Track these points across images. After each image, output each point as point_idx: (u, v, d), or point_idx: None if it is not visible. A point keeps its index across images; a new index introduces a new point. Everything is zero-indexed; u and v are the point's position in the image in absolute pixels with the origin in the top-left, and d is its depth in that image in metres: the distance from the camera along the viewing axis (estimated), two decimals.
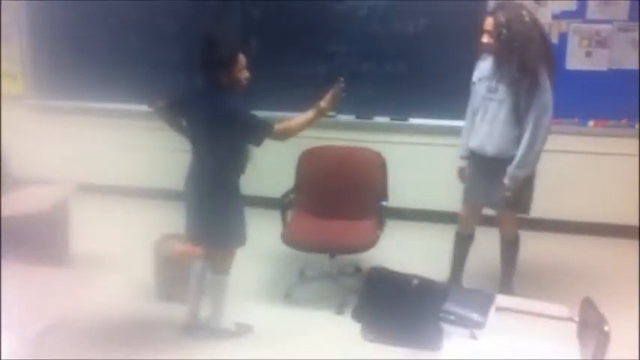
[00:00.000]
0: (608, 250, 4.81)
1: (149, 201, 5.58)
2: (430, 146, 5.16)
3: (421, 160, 5.19)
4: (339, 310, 3.91)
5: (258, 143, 3.33)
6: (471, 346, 2.31)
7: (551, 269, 4.51)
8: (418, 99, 5.10)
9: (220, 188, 3.40)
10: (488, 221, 3.94)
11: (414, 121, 5.16)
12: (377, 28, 5.04)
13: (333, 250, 4.06)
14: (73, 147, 5.76)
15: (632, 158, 4.80)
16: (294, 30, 5.18)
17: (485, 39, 3.49)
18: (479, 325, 2.37)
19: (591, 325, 2.23)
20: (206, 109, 3.29)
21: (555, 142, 3.63)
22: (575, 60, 4.76)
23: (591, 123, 4.87)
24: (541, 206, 3.88)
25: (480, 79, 3.69)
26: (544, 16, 4.61)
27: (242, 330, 3.69)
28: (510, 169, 3.52)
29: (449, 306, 2.43)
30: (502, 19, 3.39)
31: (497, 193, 3.61)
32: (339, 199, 4.26)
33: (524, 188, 3.64)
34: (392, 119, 5.21)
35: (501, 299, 2.57)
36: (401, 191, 4.42)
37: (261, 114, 3.33)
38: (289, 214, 4.24)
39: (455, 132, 4.11)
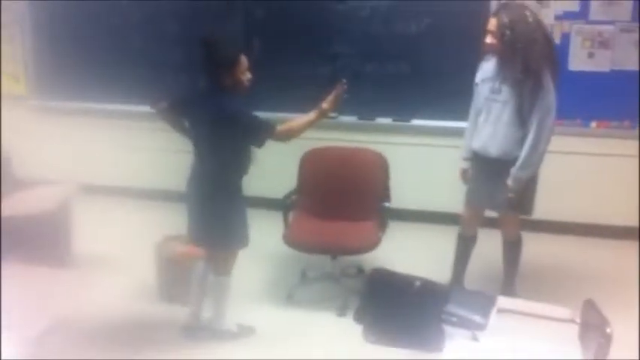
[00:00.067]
0: (611, 251, 4.80)
1: (151, 202, 5.58)
2: (432, 147, 5.16)
3: (423, 162, 5.18)
4: (341, 312, 3.90)
5: (260, 144, 3.33)
6: (472, 348, 2.31)
7: (554, 271, 4.50)
8: (420, 100, 5.10)
9: (222, 189, 3.40)
10: (490, 223, 3.94)
11: (417, 122, 5.15)
12: (379, 28, 5.04)
13: (335, 251, 4.06)
14: (75, 148, 5.76)
15: (634, 159, 4.78)
16: (296, 31, 5.18)
17: (488, 40, 3.49)
18: (480, 327, 2.37)
19: (593, 327, 2.23)
20: (208, 110, 3.28)
21: (558, 143, 3.63)
22: (578, 61, 4.75)
23: (594, 124, 4.86)
24: (543, 207, 3.87)
25: (483, 80, 3.68)
26: (547, 16, 4.60)
27: (244, 331, 3.69)
28: (514, 170, 3.52)
29: (451, 307, 2.43)
30: (505, 19, 3.39)
31: (500, 194, 3.60)
32: (341, 200, 4.25)
33: (527, 189, 3.63)
34: (394, 120, 5.20)
35: (503, 301, 2.57)
36: (403, 192, 4.42)
37: (263, 115, 3.33)
38: (291, 215, 4.24)
39: (457, 133, 4.10)
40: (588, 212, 5.04)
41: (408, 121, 5.17)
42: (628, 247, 4.76)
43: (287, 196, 4.27)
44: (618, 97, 4.72)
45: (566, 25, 4.72)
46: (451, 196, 4.14)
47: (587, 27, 4.70)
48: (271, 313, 3.96)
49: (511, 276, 3.95)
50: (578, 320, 2.40)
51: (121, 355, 3.48)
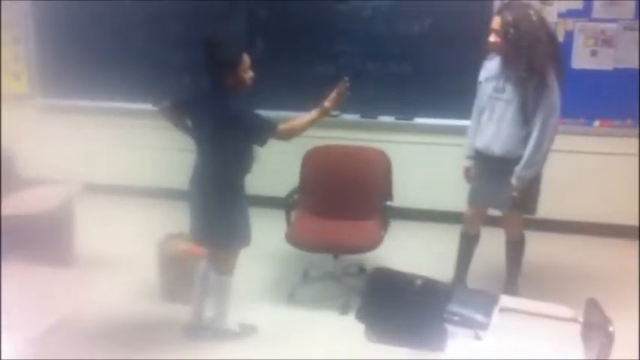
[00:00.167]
0: (614, 250, 4.79)
1: (153, 200, 5.58)
2: (435, 146, 5.15)
3: (426, 160, 5.18)
4: (343, 311, 3.91)
5: (263, 143, 3.33)
6: (474, 347, 2.30)
7: (556, 270, 4.49)
8: (423, 98, 5.09)
9: (225, 188, 3.39)
10: (493, 221, 3.93)
11: (419, 120, 5.15)
12: (381, 28, 5.03)
13: (337, 250, 4.06)
14: (77, 146, 5.77)
15: (638, 158, 4.77)
16: (298, 30, 5.18)
17: (492, 38, 3.48)
18: (483, 326, 2.36)
19: (596, 326, 2.22)
20: (211, 109, 3.29)
21: (561, 142, 3.62)
22: (581, 59, 4.74)
23: (597, 123, 4.85)
24: (547, 206, 3.86)
25: (486, 79, 3.67)
26: (550, 14, 4.60)
27: (246, 330, 3.69)
28: (518, 169, 3.51)
29: (453, 307, 2.42)
30: (509, 18, 3.38)
31: (504, 193, 3.59)
32: (344, 199, 4.25)
33: (531, 189, 3.62)
34: (397, 119, 5.20)
35: (505, 300, 2.55)
36: (405, 191, 4.42)
37: (266, 114, 3.34)
38: (293, 214, 4.24)
39: (460, 132, 4.10)
40: (591, 211, 5.03)
41: (411, 119, 5.16)
42: (631, 247, 4.74)
43: (289, 195, 4.26)
44: (621, 95, 4.71)
45: (569, 23, 4.71)
46: (454, 195, 4.13)
47: (591, 25, 4.69)
48: (273, 312, 3.96)
49: (514, 275, 3.94)
50: (580, 319, 2.39)
51: (123, 354, 3.49)
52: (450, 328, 2.36)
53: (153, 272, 4.08)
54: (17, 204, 4.01)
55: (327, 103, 3.37)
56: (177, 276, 3.96)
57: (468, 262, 4.02)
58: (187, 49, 5.27)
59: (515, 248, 3.91)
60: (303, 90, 4.17)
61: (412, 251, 4.59)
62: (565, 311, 2.47)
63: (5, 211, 3.81)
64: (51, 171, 4.86)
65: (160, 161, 5.53)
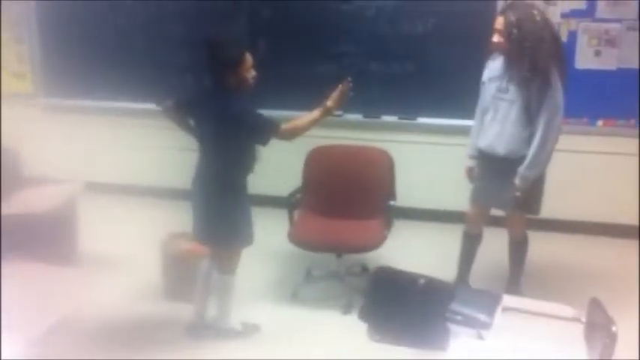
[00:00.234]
0: (617, 250, 4.79)
1: (156, 200, 5.58)
2: (438, 145, 5.15)
3: (429, 160, 5.17)
4: (346, 310, 3.91)
5: (265, 143, 3.33)
6: (477, 347, 2.30)
7: (559, 270, 4.48)
8: (426, 98, 5.09)
9: (227, 188, 3.40)
10: (496, 221, 3.93)
11: (422, 120, 5.14)
12: (385, 28, 5.02)
13: (340, 249, 4.06)
14: (81, 146, 5.77)
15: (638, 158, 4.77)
16: (301, 30, 5.18)
17: (495, 38, 3.48)
18: (486, 326, 2.36)
19: (599, 326, 2.22)
20: (213, 108, 3.29)
21: (564, 141, 3.61)
22: (584, 59, 4.74)
23: (600, 122, 4.84)
24: (550, 206, 3.86)
25: (490, 79, 3.67)
26: (553, 14, 4.59)
27: (248, 330, 3.69)
28: (521, 169, 3.51)
29: (456, 306, 2.42)
30: (513, 18, 3.37)
31: (507, 193, 3.59)
32: (347, 199, 4.25)
33: (535, 189, 3.62)
34: (400, 118, 5.19)
35: (508, 300, 2.55)
36: (408, 191, 4.41)
37: (268, 113, 3.34)
38: (296, 213, 4.24)
39: (463, 131, 4.10)
40: (595, 211, 5.02)
41: (414, 119, 5.16)
42: (635, 246, 4.72)
43: (292, 194, 4.26)
44: (625, 95, 4.70)
45: (572, 24, 4.71)
46: (457, 195, 4.13)
47: (594, 25, 4.68)
48: (276, 312, 3.96)
49: (517, 275, 3.94)
50: (583, 319, 2.39)
51: (126, 353, 3.49)
52: (453, 328, 2.36)
53: (155, 271, 4.08)
54: (20, 203, 4.02)
55: (329, 103, 3.38)
56: (179, 275, 3.96)
57: (471, 262, 4.02)
58: (190, 49, 5.27)
59: (518, 248, 3.91)
60: (305, 90, 4.17)
61: (415, 251, 4.59)
62: (568, 311, 2.47)
63: (9, 210, 3.82)
64: (54, 170, 4.86)
65: (163, 161, 5.53)
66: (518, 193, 3.55)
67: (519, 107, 3.49)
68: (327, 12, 5.10)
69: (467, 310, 2.41)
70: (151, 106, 3.69)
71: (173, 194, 5.20)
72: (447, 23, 4.89)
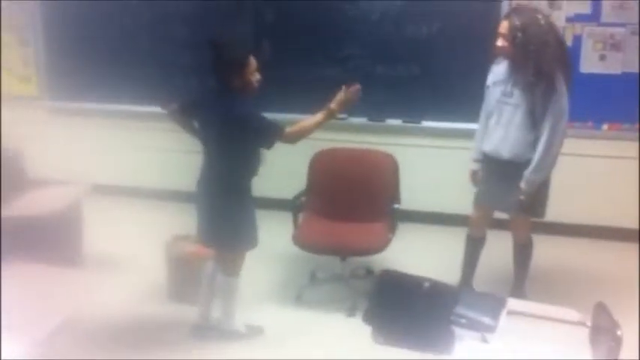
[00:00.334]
0: (622, 254, 4.77)
1: (161, 202, 5.60)
2: (443, 149, 5.15)
3: (433, 163, 5.18)
4: (350, 313, 3.91)
5: (269, 146, 3.34)
6: (481, 350, 2.30)
7: (564, 273, 4.48)
8: (431, 101, 5.09)
9: (232, 190, 3.40)
10: (500, 224, 3.92)
11: (427, 123, 5.15)
12: (390, 30, 5.03)
13: (344, 252, 4.06)
14: (86, 148, 5.79)
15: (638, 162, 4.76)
16: (306, 32, 5.19)
17: (499, 42, 3.48)
18: (490, 329, 2.36)
19: (604, 330, 2.21)
20: (218, 111, 3.29)
21: (569, 145, 3.61)
22: (589, 63, 4.74)
23: (605, 126, 4.84)
24: (555, 210, 3.85)
25: (494, 83, 3.67)
26: (558, 19, 4.60)
27: (252, 332, 3.70)
28: (527, 173, 3.51)
29: (460, 309, 2.42)
30: (517, 22, 3.38)
31: (511, 196, 3.59)
32: (351, 202, 4.25)
33: (540, 192, 3.62)
34: (404, 122, 5.20)
35: (513, 303, 2.55)
36: (413, 194, 4.42)
37: (273, 116, 3.34)
38: (301, 216, 4.24)
39: (468, 135, 4.10)
40: (600, 214, 5.01)
41: (419, 122, 5.16)
42: None
43: (296, 197, 4.27)
44: (630, 99, 4.70)
45: (577, 28, 4.71)
46: (461, 198, 4.12)
47: (599, 29, 4.68)
48: (280, 314, 3.96)
49: (521, 278, 3.93)
50: (588, 323, 2.38)
51: (130, 354, 3.49)
52: (457, 331, 2.36)
53: (160, 273, 4.09)
54: (26, 205, 4.03)
55: (332, 105, 3.37)
56: (184, 277, 3.97)
57: (475, 265, 4.02)
58: (195, 52, 5.29)
59: (522, 251, 3.90)
60: (310, 93, 4.17)
61: (419, 254, 4.59)
62: (573, 314, 2.47)
63: (14, 212, 3.83)
64: (59, 172, 4.88)
65: (168, 163, 5.54)
66: (522, 197, 3.55)
67: (524, 111, 3.49)
68: (332, 15, 5.11)
69: (471, 314, 2.40)
70: (155, 108, 3.69)
71: (177, 196, 5.21)
72: (451, 26, 4.89)
